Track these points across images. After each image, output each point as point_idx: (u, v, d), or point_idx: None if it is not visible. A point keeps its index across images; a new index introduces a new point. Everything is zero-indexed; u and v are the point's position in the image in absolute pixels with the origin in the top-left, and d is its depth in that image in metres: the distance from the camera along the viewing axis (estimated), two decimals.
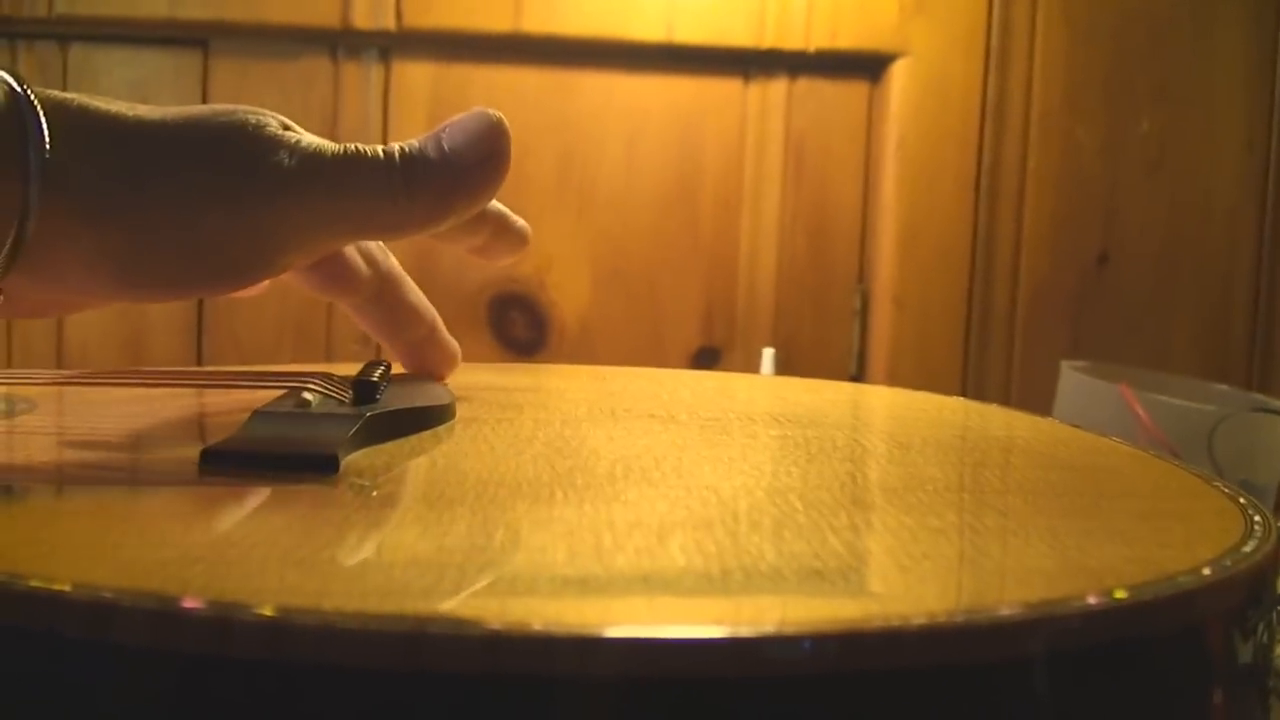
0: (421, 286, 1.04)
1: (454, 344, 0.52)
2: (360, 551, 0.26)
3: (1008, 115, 1.09)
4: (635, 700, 0.21)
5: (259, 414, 0.38)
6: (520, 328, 1.06)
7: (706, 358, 1.08)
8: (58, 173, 0.35)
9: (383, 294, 0.50)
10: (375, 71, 1.05)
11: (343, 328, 1.05)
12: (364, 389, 0.41)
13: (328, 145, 0.38)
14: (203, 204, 0.37)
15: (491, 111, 0.40)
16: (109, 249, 0.36)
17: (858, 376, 1.09)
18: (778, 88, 1.08)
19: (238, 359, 1.04)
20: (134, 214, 0.36)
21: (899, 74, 1.07)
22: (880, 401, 0.56)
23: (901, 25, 1.07)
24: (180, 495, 0.31)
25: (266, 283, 0.41)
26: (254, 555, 0.25)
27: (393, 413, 0.40)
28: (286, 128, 0.38)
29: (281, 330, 1.04)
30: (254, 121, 0.38)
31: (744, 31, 1.05)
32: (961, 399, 0.57)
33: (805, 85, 1.08)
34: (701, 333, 1.08)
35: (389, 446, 0.38)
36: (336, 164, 0.38)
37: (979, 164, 1.09)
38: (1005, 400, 1.09)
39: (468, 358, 1.05)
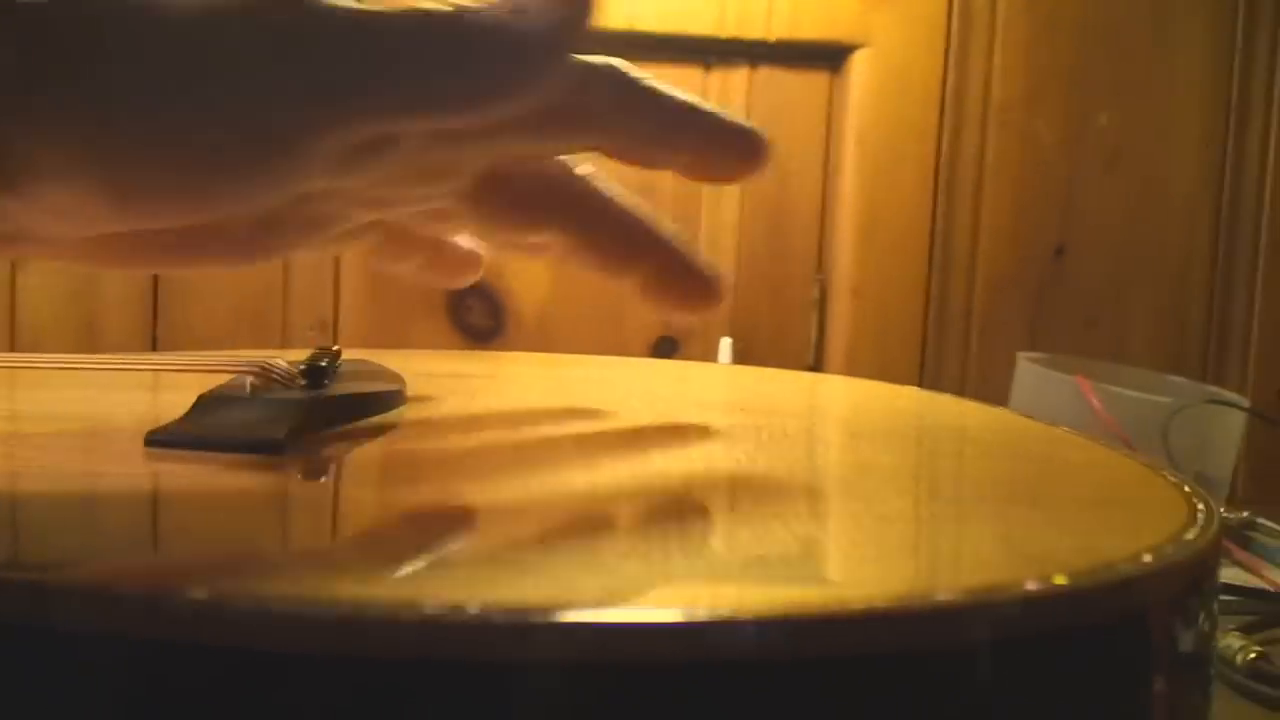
0: (375, 273, 1.03)
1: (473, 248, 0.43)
2: (299, 535, 0.25)
3: (967, 107, 1.10)
4: (580, 686, 0.21)
5: (203, 399, 0.38)
6: (478, 315, 1.06)
7: (666, 347, 1.07)
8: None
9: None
10: None
11: (299, 314, 1.04)
12: (313, 374, 0.41)
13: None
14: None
15: None
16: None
17: (816, 367, 1.09)
18: (739, 77, 1.08)
19: (192, 345, 1.03)
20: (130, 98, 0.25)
21: (859, 64, 1.07)
22: (835, 391, 0.56)
23: (863, 16, 1.07)
24: (123, 480, 0.30)
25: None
26: (192, 539, 0.25)
27: (339, 397, 0.39)
28: None
29: (238, 317, 1.03)
30: None
31: (705, 20, 1.05)
32: (916, 389, 0.57)
33: (766, 74, 1.08)
34: (660, 322, 1.08)
35: (339, 432, 0.37)
36: (362, 26, 0.27)
37: (938, 155, 1.09)
38: (961, 391, 1.10)
39: (425, 345, 1.04)
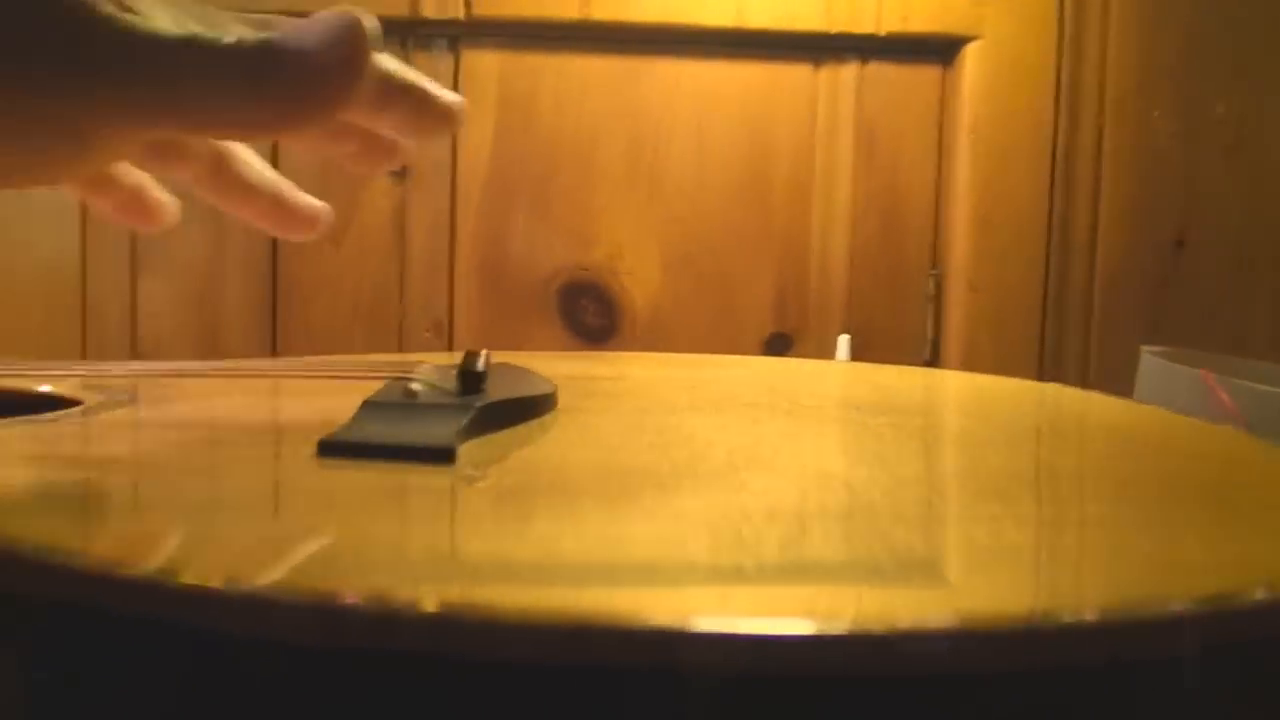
0: (489, 276, 1.04)
1: (313, 203, 0.47)
2: (504, 544, 0.25)
3: (1082, 98, 1.08)
4: (810, 698, 0.21)
5: (369, 405, 0.38)
6: (591, 315, 1.06)
7: (778, 344, 1.07)
8: None
9: (220, 169, 0.45)
10: (444, 61, 1.05)
11: (415, 316, 1.05)
12: (469, 379, 0.41)
13: (164, 30, 0.33)
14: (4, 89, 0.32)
15: (349, 11, 0.34)
16: None
17: (932, 362, 1.08)
18: (848, 72, 1.07)
19: (310, 348, 1.04)
20: None
21: (971, 57, 1.06)
22: (980, 389, 0.55)
23: (974, 8, 1.05)
24: (305, 488, 0.30)
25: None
26: (399, 549, 0.25)
27: (501, 403, 0.39)
28: (125, 7, 0.33)
29: (355, 319, 1.04)
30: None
31: (814, 16, 1.04)
32: (1058, 385, 0.56)
33: (876, 69, 1.07)
34: (773, 319, 1.07)
35: (499, 437, 0.37)
36: (172, 52, 0.33)
37: (1054, 147, 1.07)
38: (1083, 385, 1.08)
39: (539, 345, 1.05)
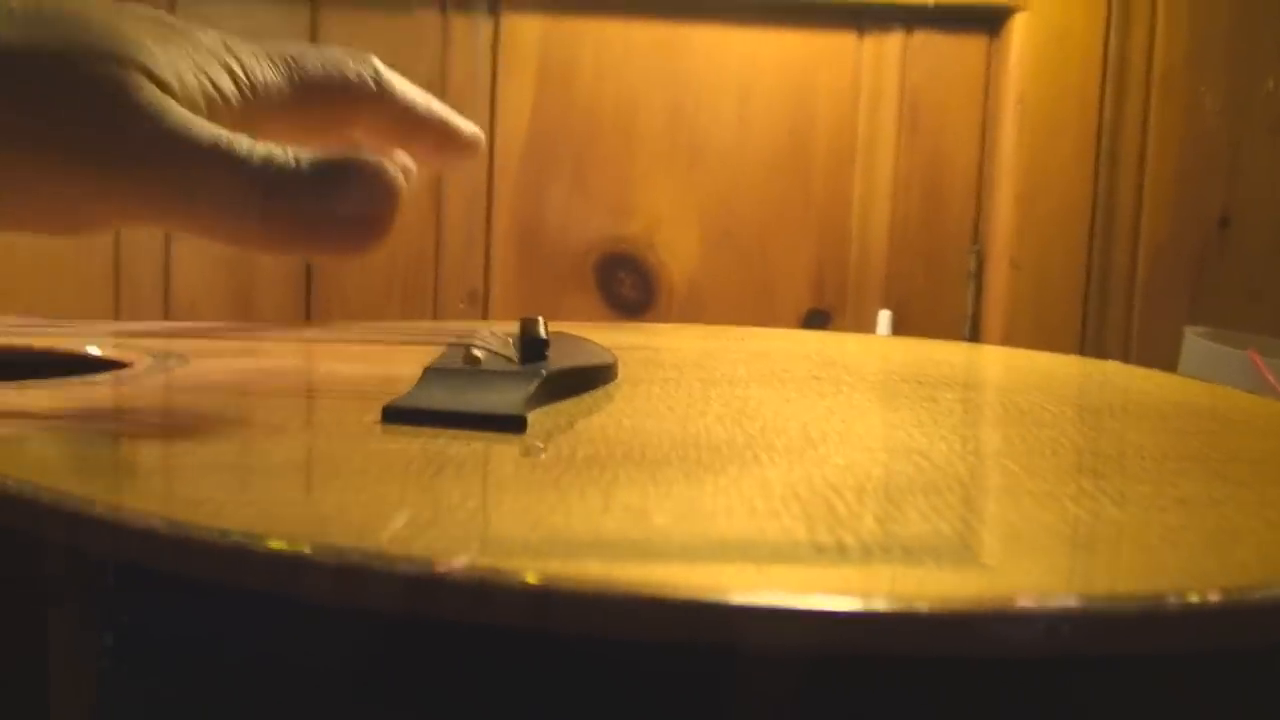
0: (526, 246, 1.03)
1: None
2: (592, 517, 0.24)
3: (1129, 73, 1.06)
4: (918, 678, 0.20)
5: (432, 371, 0.37)
6: (628, 288, 1.04)
7: (817, 319, 1.06)
8: None
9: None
10: (484, 25, 1.03)
11: (451, 286, 1.04)
12: (532, 346, 0.40)
13: (196, 128, 0.33)
14: (29, 148, 0.33)
15: (388, 166, 0.34)
16: None
17: (972, 339, 1.07)
18: (893, 41, 1.05)
19: (345, 314, 1.03)
20: None
21: (1019, 28, 1.04)
22: (1039, 366, 0.54)
23: None
24: (377, 454, 0.30)
25: None
26: (486, 519, 0.24)
27: (566, 370, 0.38)
28: (165, 86, 0.34)
29: (389, 288, 1.03)
30: (116, 79, 0.33)
31: None
32: (1121, 364, 0.55)
33: (921, 39, 1.05)
34: (812, 294, 1.06)
35: (565, 406, 0.37)
36: (195, 160, 0.33)
37: (1099, 122, 1.06)
38: (1125, 363, 1.06)
39: (576, 317, 1.04)
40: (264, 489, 0.26)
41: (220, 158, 0.33)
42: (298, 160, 0.34)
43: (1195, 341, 0.97)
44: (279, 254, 0.35)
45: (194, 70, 0.35)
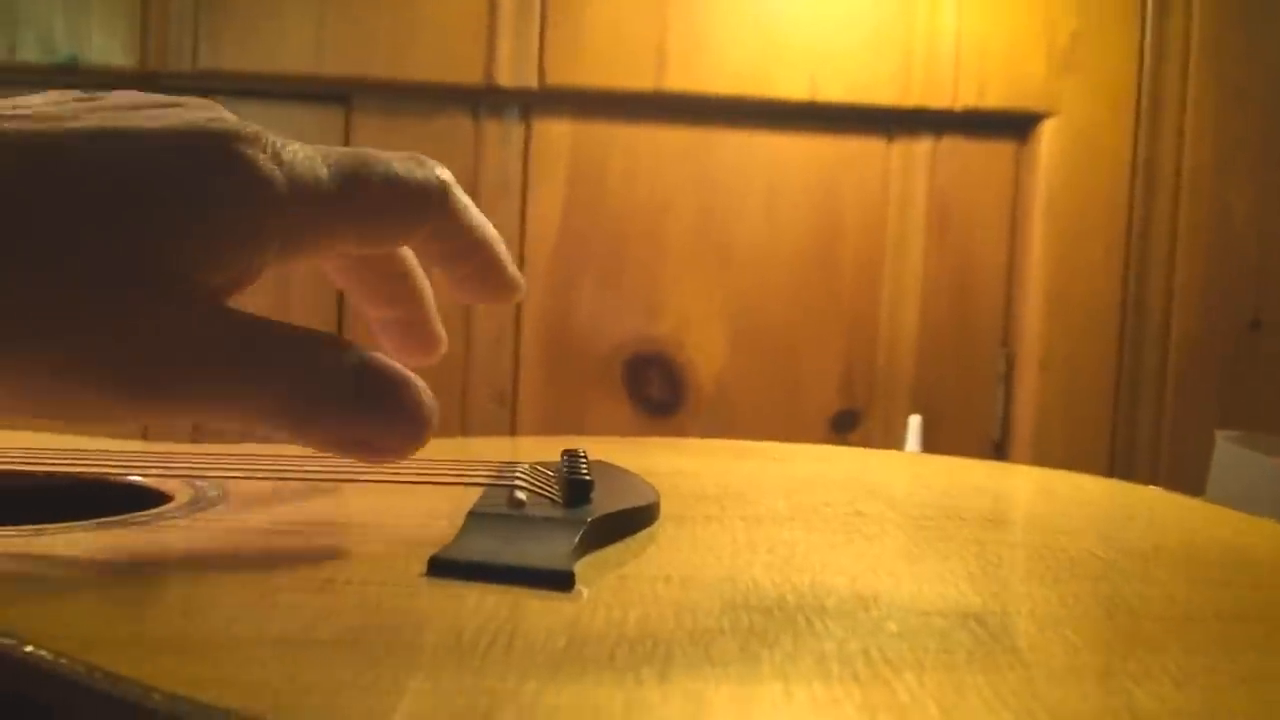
0: (555, 345, 1.03)
1: (442, 333, 0.45)
2: (647, 704, 0.24)
3: (1158, 176, 1.06)
4: None
5: (476, 516, 0.37)
6: (657, 388, 1.05)
7: (845, 420, 1.05)
8: None
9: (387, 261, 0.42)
10: (516, 129, 1.04)
11: (479, 386, 1.04)
12: (577, 489, 0.40)
13: (227, 329, 0.33)
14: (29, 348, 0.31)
15: (429, 397, 0.34)
16: None
17: (1002, 441, 1.06)
18: (922, 146, 1.06)
19: None
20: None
21: (1047, 133, 1.05)
22: (1083, 496, 0.53)
23: (1050, 83, 1.05)
24: (431, 623, 0.29)
25: None
26: (535, 705, 0.24)
27: (612, 516, 0.38)
28: (196, 247, 0.32)
29: None
30: (132, 268, 0.31)
31: (889, 90, 1.04)
32: (1162, 492, 0.54)
33: (950, 144, 1.06)
34: (841, 395, 1.06)
35: (611, 554, 0.36)
36: (219, 369, 0.32)
37: (1129, 225, 1.06)
38: (1155, 466, 1.06)
39: (604, 417, 1.04)
40: (316, 671, 0.26)
41: (251, 370, 0.33)
42: (339, 365, 0.33)
43: (1226, 447, 0.97)
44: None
45: (231, 189, 0.33)
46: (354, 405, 0.33)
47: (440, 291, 0.43)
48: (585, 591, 0.32)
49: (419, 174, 0.37)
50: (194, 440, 0.70)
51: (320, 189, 0.34)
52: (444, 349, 0.45)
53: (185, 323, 0.32)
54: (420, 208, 0.37)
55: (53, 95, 0.35)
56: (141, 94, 0.36)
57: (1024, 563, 0.38)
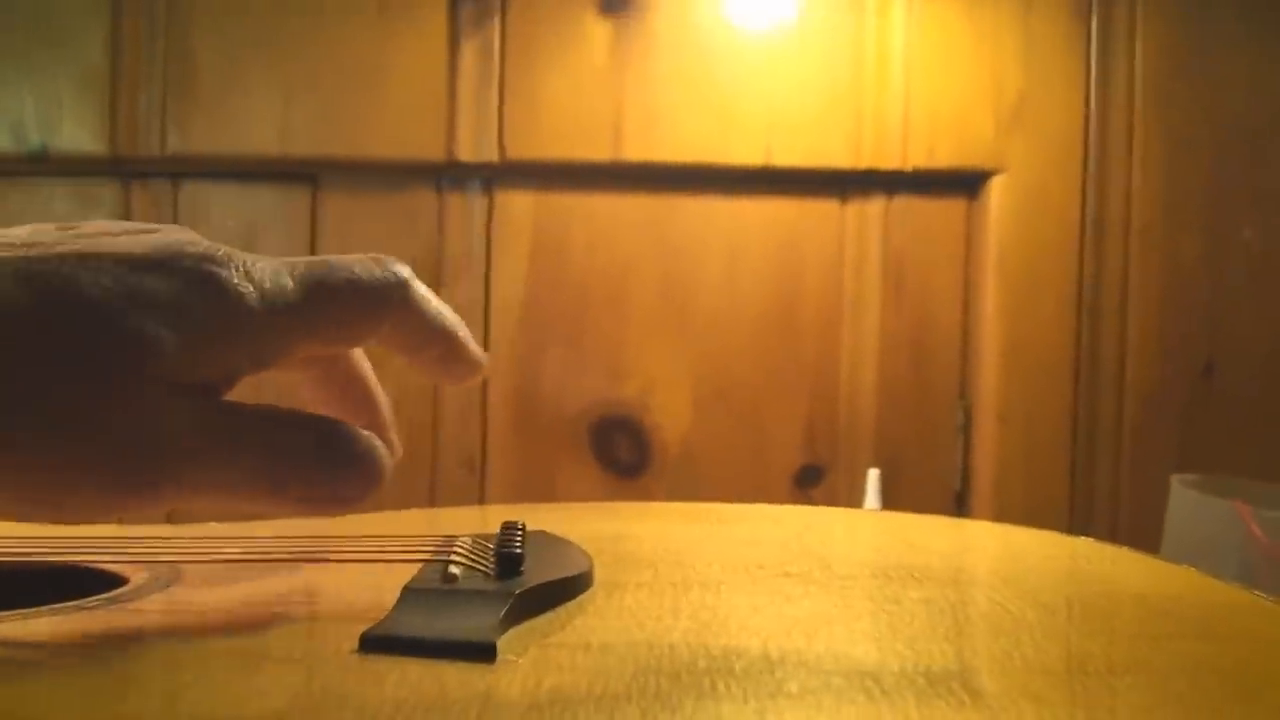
0: (522, 411, 1.05)
1: (395, 440, 0.47)
2: None
3: (1108, 227, 1.09)
4: None
5: (410, 592, 0.39)
6: (624, 450, 1.06)
7: (809, 476, 1.07)
8: None
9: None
10: (479, 202, 1.07)
11: (448, 452, 1.06)
12: (507, 562, 0.42)
13: (194, 416, 0.36)
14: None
15: (383, 450, 0.39)
16: None
17: (963, 493, 1.08)
18: (875, 206, 1.08)
19: None
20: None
21: (997, 190, 1.07)
22: (1012, 551, 0.55)
23: (998, 141, 1.07)
24: (352, 699, 0.31)
25: None
26: None
27: (540, 587, 0.40)
28: (169, 349, 0.35)
29: None
30: (108, 362, 0.35)
31: (841, 152, 1.06)
32: (1092, 542, 0.56)
33: (903, 203, 1.09)
34: (804, 451, 1.08)
35: (538, 624, 0.38)
36: (210, 455, 0.36)
37: (1080, 277, 1.08)
38: (1115, 513, 1.08)
39: (572, 479, 1.05)
40: None
41: (224, 451, 0.36)
42: (300, 431, 0.37)
43: (1182, 492, 0.99)
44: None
45: (206, 305, 0.36)
46: (315, 463, 0.37)
47: (408, 373, 0.45)
48: (518, 659, 0.33)
49: (378, 273, 0.40)
50: (170, 521, 0.73)
51: (287, 299, 0.38)
52: (399, 454, 0.47)
53: (165, 417, 0.35)
54: (380, 305, 0.40)
55: (34, 227, 0.38)
56: (117, 221, 0.40)
57: (935, 619, 0.40)
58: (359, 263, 0.40)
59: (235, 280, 0.37)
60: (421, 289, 0.42)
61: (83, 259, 0.35)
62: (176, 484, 0.35)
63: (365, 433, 0.39)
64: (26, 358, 0.34)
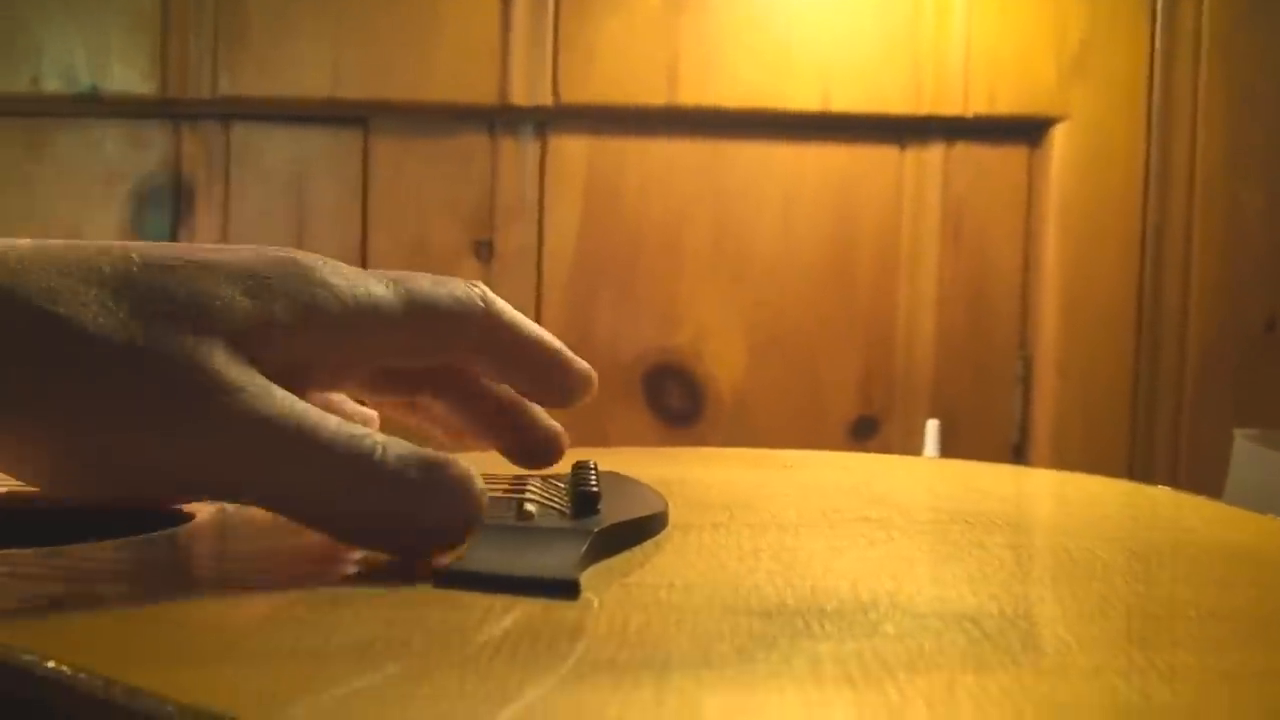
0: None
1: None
2: (648, 710, 0.25)
3: (1171, 178, 1.07)
4: None
5: (486, 529, 0.38)
6: (676, 398, 1.05)
7: (865, 427, 1.06)
8: None
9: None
10: (531, 146, 1.06)
11: None
12: (584, 500, 0.41)
13: (275, 408, 0.34)
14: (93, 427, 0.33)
15: (475, 476, 0.36)
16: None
17: (1021, 445, 1.07)
18: (934, 153, 1.07)
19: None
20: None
21: (1059, 138, 1.05)
22: (1086, 497, 0.54)
23: (1061, 88, 1.05)
24: (436, 634, 0.30)
25: None
26: (555, 703, 0.25)
27: (619, 525, 0.39)
28: (250, 344, 0.35)
29: None
30: (188, 355, 0.34)
31: (901, 98, 1.05)
32: (1170, 491, 0.55)
33: (962, 150, 1.07)
34: (859, 402, 1.06)
35: (617, 562, 0.37)
36: (269, 442, 0.34)
37: (1143, 228, 1.06)
38: (1174, 468, 1.06)
39: (623, 427, 1.05)
40: (328, 680, 0.26)
41: (300, 448, 0.34)
42: (384, 451, 0.34)
43: (1245, 445, 0.97)
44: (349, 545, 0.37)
45: (288, 297, 0.36)
46: (403, 483, 0.35)
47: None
48: (596, 600, 0.33)
49: (459, 284, 0.41)
50: None
51: (372, 294, 0.38)
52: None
53: (242, 415, 0.34)
54: (467, 307, 0.40)
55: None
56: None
57: (1024, 564, 0.39)
58: (433, 279, 0.40)
59: (322, 266, 0.37)
60: (503, 303, 0.42)
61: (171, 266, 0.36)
62: (235, 488, 0.35)
63: (464, 462, 0.36)
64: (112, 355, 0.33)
